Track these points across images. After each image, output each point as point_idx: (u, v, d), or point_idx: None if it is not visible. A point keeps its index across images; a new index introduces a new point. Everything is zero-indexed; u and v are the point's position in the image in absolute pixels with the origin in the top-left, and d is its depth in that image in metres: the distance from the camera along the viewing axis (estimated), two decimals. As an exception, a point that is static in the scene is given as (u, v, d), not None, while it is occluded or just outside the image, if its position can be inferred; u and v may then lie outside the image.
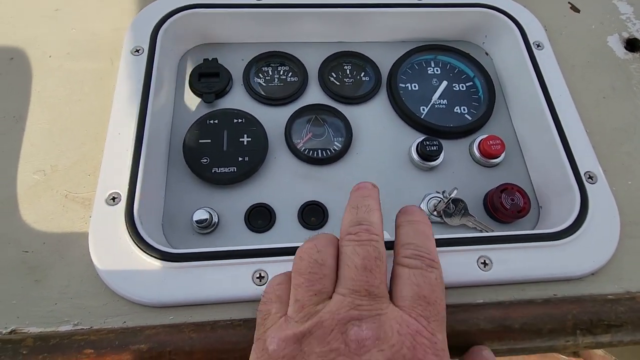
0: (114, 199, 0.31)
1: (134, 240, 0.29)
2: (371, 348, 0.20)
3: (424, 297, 0.22)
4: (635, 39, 0.43)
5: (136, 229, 0.30)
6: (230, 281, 0.29)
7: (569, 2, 0.46)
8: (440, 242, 0.31)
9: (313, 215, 0.36)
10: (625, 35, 0.44)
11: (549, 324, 0.27)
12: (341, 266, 0.23)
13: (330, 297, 0.22)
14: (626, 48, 0.43)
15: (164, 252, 0.29)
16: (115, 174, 0.32)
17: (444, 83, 0.43)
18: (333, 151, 0.39)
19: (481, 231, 0.35)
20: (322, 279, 0.23)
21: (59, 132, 0.35)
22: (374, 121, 0.41)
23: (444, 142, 0.39)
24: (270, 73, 0.43)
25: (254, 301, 0.29)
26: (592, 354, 0.57)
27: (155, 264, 0.29)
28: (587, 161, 0.35)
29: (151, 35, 0.38)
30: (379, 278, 0.22)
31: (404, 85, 0.43)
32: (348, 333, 0.20)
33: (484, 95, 0.43)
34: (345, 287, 0.22)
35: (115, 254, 0.29)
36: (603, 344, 0.27)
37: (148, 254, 0.29)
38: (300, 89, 0.42)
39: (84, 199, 0.33)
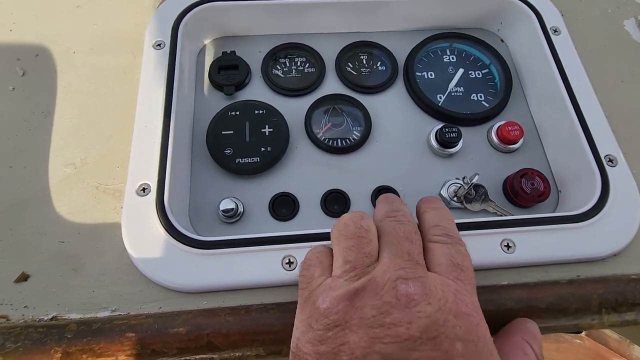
0: (144, 189, 0.32)
1: (165, 229, 0.30)
2: (420, 302, 0.21)
3: (458, 264, 0.24)
4: (652, 22, 0.43)
5: (167, 218, 0.31)
6: (260, 267, 0.30)
7: (584, -13, 0.45)
8: (464, 226, 0.31)
9: (335, 203, 0.37)
10: (642, 18, 0.44)
11: (574, 303, 0.28)
12: (384, 237, 0.25)
13: (377, 261, 0.24)
14: (643, 31, 0.43)
15: (196, 239, 0.30)
16: (144, 166, 0.33)
17: (460, 71, 0.44)
18: (352, 140, 0.39)
19: (501, 216, 0.36)
20: (370, 243, 0.24)
21: (86, 126, 0.36)
22: (391, 110, 0.41)
23: (461, 129, 0.40)
24: (288, 64, 0.44)
25: (284, 286, 0.30)
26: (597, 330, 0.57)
27: (188, 251, 0.30)
28: (607, 145, 0.35)
29: (172, 30, 0.39)
30: (418, 248, 0.24)
31: (420, 74, 0.43)
32: (398, 289, 0.22)
33: (501, 82, 0.43)
34: (390, 253, 0.24)
35: (148, 242, 0.30)
36: (628, 321, 0.28)
37: (180, 241, 0.30)
38: (318, 79, 0.42)
39: (115, 190, 0.33)
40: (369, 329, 0.21)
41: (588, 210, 0.32)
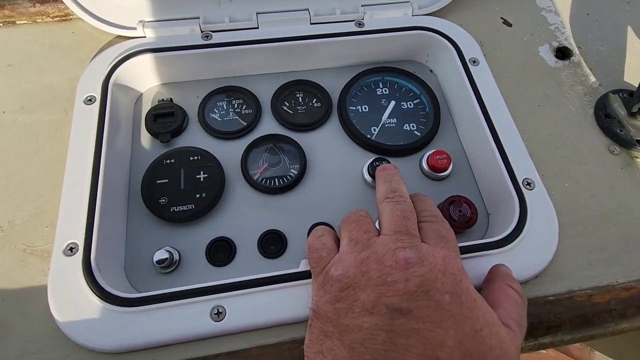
0: (71, 249, 0.32)
1: (91, 289, 0.30)
2: (415, 264, 0.26)
3: (444, 236, 0.29)
4: (565, 47, 0.46)
5: (94, 277, 0.30)
6: (188, 320, 0.30)
7: (501, 18, 0.48)
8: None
9: (272, 244, 0.37)
10: (555, 44, 0.47)
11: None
12: (384, 216, 0.30)
13: (377, 236, 0.29)
14: (556, 56, 0.46)
15: (122, 297, 0.30)
16: (72, 224, 0.33)
17: (392, 102, 0.46)
18: (289, 179, 0.40)
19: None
20: (369, 224, 0.30)
21: (15, 187, 0.36)
22: (327, 146, 0.43)
23: (395, 160, 0.41)
24: (225, 107, 0.45)
25: (212, 337, 0.30)
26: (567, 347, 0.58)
27: (114, 310, 0.29)
28: (524, 168, 0.37)
29: (102, 84, 0.39)
30: (414, 224, 0.29)
31: (354, 108, 0.45)
32: (397, 255, 0.27)
33: (431, 111, 0.45)
34: (389, 230, 0.29)
35: (74, 304, 0.30)
36: (545, 344, 0.29)
37: (106, 301, 0.30)
38: (254, 120, 0.43)
39: (43, 251, 0.33)
40: (375, 287, 0.26)
41: (507, 236, 0.33)
